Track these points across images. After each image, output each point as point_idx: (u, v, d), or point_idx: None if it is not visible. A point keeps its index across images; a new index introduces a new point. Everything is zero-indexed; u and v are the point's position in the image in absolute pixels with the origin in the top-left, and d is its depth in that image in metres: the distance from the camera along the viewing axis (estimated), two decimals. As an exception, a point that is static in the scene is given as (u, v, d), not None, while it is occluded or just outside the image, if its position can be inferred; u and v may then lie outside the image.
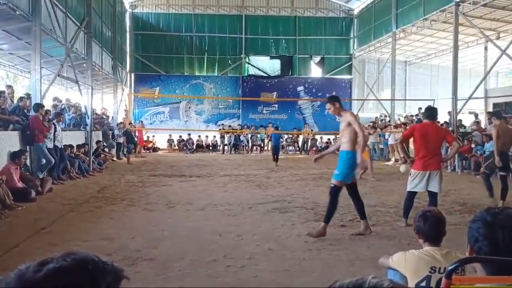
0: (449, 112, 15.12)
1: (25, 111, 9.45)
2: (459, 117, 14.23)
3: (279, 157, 14.61)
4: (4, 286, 0.69)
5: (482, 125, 15.09)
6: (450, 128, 13.85)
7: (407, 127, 13.65)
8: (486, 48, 18.56)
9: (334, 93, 23.59)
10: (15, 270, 0.72)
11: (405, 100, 22.10)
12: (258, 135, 21.39)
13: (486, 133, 13.10)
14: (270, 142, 18.57)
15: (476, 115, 15.79)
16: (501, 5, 14.39)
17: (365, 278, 0.76)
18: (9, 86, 11.10)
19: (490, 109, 18.01)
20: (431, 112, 5.83)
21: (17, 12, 8.75)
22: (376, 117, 21.82)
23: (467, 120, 16.66)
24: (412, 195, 5.66)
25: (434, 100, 16.25)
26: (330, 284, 0.78)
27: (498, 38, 16.92)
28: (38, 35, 9.14)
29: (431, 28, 17.17)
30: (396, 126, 17.22)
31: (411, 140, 5.95)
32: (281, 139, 17.22)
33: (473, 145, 12.95)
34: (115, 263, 0.76)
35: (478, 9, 14.46)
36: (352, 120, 5.28)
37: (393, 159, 16.29)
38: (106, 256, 3.19)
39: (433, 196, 5.56)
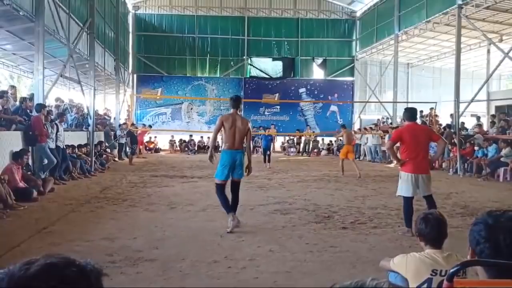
0: (451, 115, 15.10)
1: (28, 111, 9.48)
2: (461, 119, 14.20)
3: (269, 158, 14.49)
4: None
5: (485, 128, 15.06)
6: (452, 131, 13.84)
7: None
8: (488, 51, 18.53)
9: (336, 95, 23.79)
10: (2, 270, 0.73)
11: (407, 102, 22.03)
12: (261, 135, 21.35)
13: (488, 136, 13.09)
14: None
15: (478, 118, 15.76)
16: (504, 8, 14.36)
17: (364, 279, 0.76)
18: (13, 87, 11.13)
19: (493, 112, 17.99)
20: (412, 112, 5.75)
21: (20, 13, 8.78)
22: (378, 119, 21.81)
23: (469, 123, 16.63)
24: (409, 200, 5.47)
25: (436, 102, 16.29)
26: (330, 286, 0.78)
27: (500, 41, 16.89)
28: (41, 35, 9.16)
29: (433, 30, 17.15)
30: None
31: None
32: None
33: (476, 148, 12.92)
34: (93, 263, 0.79)
35: (481, 11, 14.44)
36: None
37: (395, 161, 16.25)
38: (108, 256, 3.22)
39: (429, 198, 5.48)
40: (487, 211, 1.32)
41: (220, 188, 5.67)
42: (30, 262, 0.73)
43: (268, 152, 14.52)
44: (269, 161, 14.29)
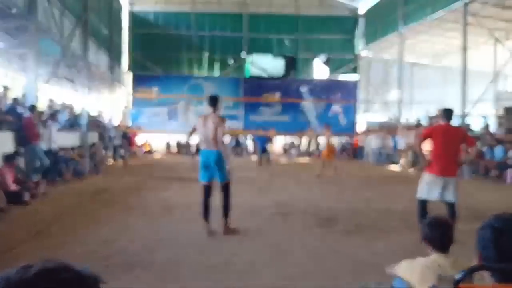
0: (457, 115, 14.84)
1: (19, 111, 9.31)
2: (468, 120, 13.95)
3: (261, 158, 14.30)
4: None
5: (492, 128, 14.80)
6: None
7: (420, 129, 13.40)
8: (495, 49, 18.24)
9: (338, 95, 23.54)
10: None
11: (412, 101, 21.79)
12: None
13: (496, 137, 12.85)
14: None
15: (485, 119, 15.52)
16: (511, 5, 14.11)
17: (368, 283, 0.58)
18: (5, 87, 10.93)
19: (501, 112, 17.66)
20: (448, 112, 5.52)
21: (13, 11, 8.67)
22: (383, 121, 21.43)
23: (476, 124, 16.35)
24: (424, 203, 5.29)
25: (442, 102, 16.00)
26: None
27: (507, 38, 16.63)
28: (34, 33, 9.02)
29: (439, 28, 16.88)
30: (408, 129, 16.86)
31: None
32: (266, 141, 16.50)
33: (484, 149, 12.68)
34: (90, 270, 0.80)
35: (487, 9, 14.20)
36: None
37: (401, 162, 16.00)
38: (103, 260, 3.21)
39: (451, 206, 5.23)
40: (494, 215, 1.33)
41: (203, 191, 5.59)
42: (27, 267, 0.75)
43: (266, 155, 14.16)
44: (268, 161, 13.99)
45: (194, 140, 7.19)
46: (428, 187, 5.24)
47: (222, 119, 5.51)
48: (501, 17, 15.47)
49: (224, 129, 5.48)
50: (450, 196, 5.18)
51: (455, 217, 5.08)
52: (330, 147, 12.22)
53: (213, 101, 5.57)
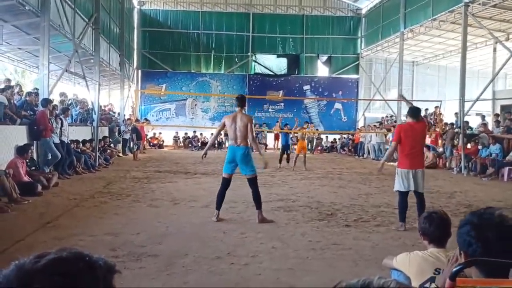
0: (456, 114, 15.03)
1: (33, 105, 9.51)
2: (466, 118, 14.13)
3: (288, 157, 13.71)
4: (2, 278, 0.71)
5: (489, 127, 14.98)
6: (457, 130, 13.78)
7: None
8: (494, 50, 18.37)
9: (340, 93, 23.71)
10: (13, 262, 0.74)
11: (412, 100, 21.94)
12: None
13: (493, 135, 13.03)
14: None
15: (483, 117, 15.68)
16: (510, 6, 14.23)
17: (371, 278, 0.76)
18: (18, 85, 11.15)
19: (498, 111, 17.87)
20: (415, 112, 5.96)
21: (26, 8, 8.81)
22: (383, 117, 21.73)
23: (474, 122, 16.53)
24: (404, 195, 5.67)
25: (441, 101, 16.23)
26: (335, 284, 0.78)
27: (507, 39, 16.76)
28: (46, 30, 9.16)
29: (439, 28, 17.04)
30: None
31: None
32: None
33: (479, 147, 12.88)
34: (106, 259, 0.80)
35: (487, 10, 14.29)
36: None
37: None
38: (111, 251, 3.23)
39: (420, 196, 5.65)
40: (470, 212, 1.34)
41: (223, 182, 5.97)
42: (41, 256, 0.73)
43: (288, 152, 13.60)
44: (288, 161, 13.48)
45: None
46: (400, 180, 5.64)
47: (250, 117, 5.95)
48: (501, 18, 15.59)
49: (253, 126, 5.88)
50: (419, 187, 5.60)
51: (423, 205, 5.52)
52: (302, 142, 12.98)
53: (239, 100, 6.01)
